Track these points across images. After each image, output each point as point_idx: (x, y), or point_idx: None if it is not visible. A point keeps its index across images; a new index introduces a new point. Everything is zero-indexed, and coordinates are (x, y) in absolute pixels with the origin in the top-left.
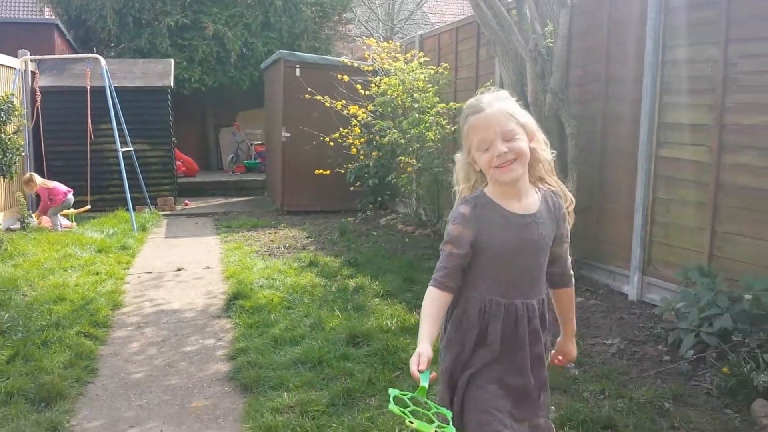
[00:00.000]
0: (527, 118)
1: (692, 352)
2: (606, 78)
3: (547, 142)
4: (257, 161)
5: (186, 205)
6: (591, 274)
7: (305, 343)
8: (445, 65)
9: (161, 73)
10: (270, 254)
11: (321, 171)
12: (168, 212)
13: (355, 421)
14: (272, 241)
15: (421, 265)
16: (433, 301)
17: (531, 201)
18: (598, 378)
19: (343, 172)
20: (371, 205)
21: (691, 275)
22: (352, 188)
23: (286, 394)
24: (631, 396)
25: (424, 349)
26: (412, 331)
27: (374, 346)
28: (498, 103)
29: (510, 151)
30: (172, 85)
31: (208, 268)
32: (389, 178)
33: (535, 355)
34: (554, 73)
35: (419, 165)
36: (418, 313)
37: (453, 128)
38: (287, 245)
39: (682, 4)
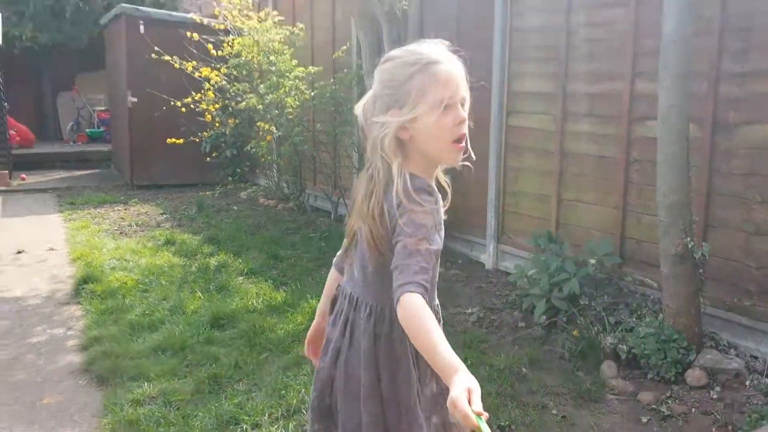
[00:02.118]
0: None
1: (545, 317)
2: (458, 44)
3: None
4: (101, 130)
5: (23, 179)
6: (451, 244)
7: (165, 328)
8: (300, 26)
9: None
10: (121, 233)
11: (173, 140)
12: (2, 188)
13: (222, 408)
14: (123, 218)
15: (286, 241)
16: (428, 312)
17: None
18: (460, 346)
19: (198, 141)
20: (230, 178)
21: (540, 242)
22: (208, 159)
23: (146, 384)
24: (491, 363)
25: (470, 380)
26: (279, 309)
27: (240, 327)
28: (454, 58)
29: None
30: (0, 43)
31: (52, 249)
32: (248, 148)
33: None
34: (409, 38)
35: (279, 133)
36: (285, 290)
37: (312, 93)
38: (140, 222)
39: None
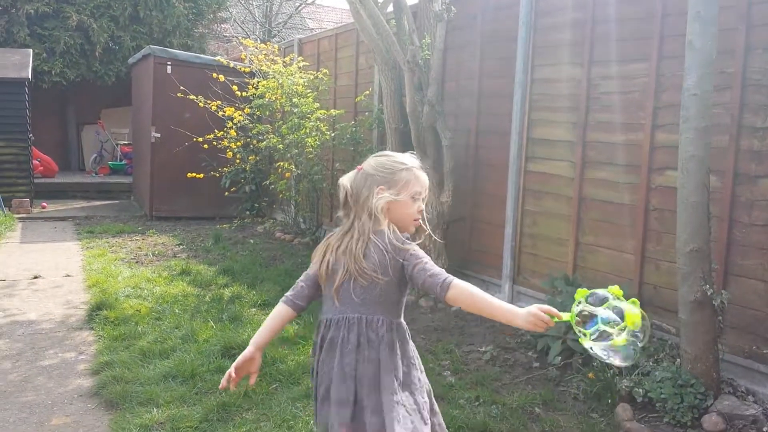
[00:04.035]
0: None
1: (560, 358)
2: (479, 93)
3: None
4: (123, 162)
5: (43, 207)
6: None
7: (176, 355)
8: (324, 71)
9: (18, 64)
10: (137, 262)
11: (193, 174)
12: (23, 215)
13: None
14: (139, 248)
15: (300, 274)
16: (474, 287)
17: None
18: (473, 385)
19: (217, 176)
20: (248, 212)
21: (557, 284)
22: (227, 194)
23: (155, 410)
24: (504, 402)
25: (532, 307)
26: (291, 341)
27: None
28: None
29: None
30: (30, 77)
31: (68, 276)
32: (267, 183)
33: None
34: (431, 85)
35: (298, 171)
36: (297, 322)
37: (333, 134)
38: (156, 252)
39: (550, 24)
